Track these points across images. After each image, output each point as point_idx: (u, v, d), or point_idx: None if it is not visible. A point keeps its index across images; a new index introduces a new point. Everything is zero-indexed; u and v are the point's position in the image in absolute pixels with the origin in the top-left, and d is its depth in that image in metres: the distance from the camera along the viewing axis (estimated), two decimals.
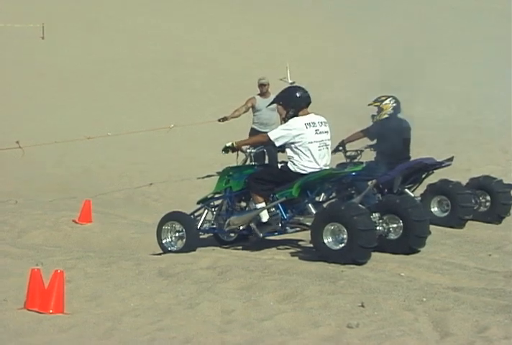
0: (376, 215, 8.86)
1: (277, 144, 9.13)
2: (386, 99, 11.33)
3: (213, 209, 9.79)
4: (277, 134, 9.09)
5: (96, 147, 18.03)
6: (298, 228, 9.29)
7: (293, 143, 9.08)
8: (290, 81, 29.64)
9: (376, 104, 11.43)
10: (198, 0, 47.06)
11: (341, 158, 11.71)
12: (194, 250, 9.38)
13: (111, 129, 17.81)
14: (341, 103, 25.71)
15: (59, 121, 21.78)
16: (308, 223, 8.96)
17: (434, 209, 10.85)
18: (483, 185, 11.23)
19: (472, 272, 8.35)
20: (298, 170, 9.08)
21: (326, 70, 31.88)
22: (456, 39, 40.38)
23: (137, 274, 8.24)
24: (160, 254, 9.60)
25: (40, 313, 6.95)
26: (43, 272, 7.21)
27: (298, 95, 9.24)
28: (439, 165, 11.21)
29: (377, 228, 8.79)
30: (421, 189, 11.33)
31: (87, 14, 39.23)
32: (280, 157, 9.44)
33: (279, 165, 9.43)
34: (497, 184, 11.29)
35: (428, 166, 11.19)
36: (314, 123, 9.15)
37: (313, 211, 9.04)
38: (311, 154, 9.06)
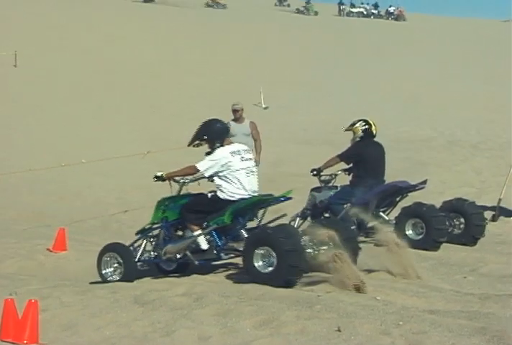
0: (306, 238, 8.89)
1: (207, 174, 9.40)
2: (357, 122, 11.57)
3: (151, 239, 9.98)
4: (206, 165, 9.37)
5: (70, 174, 17.99)
6: (232, 255, 9.46)
7: (221, 171, 9.36)
8: (264, 106, 29.91)
9: (349, 129, 11.67)
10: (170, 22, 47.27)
11: (315, 182, 11.81)
12: (132, 281, 9.47)
13: (85, 155, 17.78)
14: (317, 127, 25.88)
15: (32, 148, 21.71)
16: (241, 249, 9.09)
17: (409, 232, 10.91)
18: (456, 207, 11.31)
19: (447, 295, 8.37)
20: (227, 197, 9.34)
21: (299, 93, 32.09)
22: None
23: (113, 302, 8.18)
24: (101, 282, 9.70)
25: (14, 343, 6.87)
26: (17, 302, 7.14)
27: (219, 126, 9.60)
28: (413, 188, 11.32)
29: (307, 250, 8.76)
30: (395, 212, 11.38)
31: (59, 40, 39.29)
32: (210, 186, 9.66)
33: (209, 194, 9.58)
34: (469, 206, 11.39)
35: (403, 189, 11.31)
36: (239, 151, 9.48)
37: (246, 237, 9.21)
38: (239, 182, 9.34)
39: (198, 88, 32.19)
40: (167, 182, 9.72)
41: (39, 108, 27.04)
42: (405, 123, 27.26)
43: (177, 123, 25.66)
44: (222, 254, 9.43)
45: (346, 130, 11.76)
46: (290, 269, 8.51)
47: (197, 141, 9.71)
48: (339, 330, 6.93)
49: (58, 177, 18.07)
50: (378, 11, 77.69)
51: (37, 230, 13.97)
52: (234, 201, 9.30)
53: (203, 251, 9.45)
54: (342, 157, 11.60)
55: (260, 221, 9.65)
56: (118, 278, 9.71)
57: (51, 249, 12.06)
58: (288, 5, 75.03)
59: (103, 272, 9.84)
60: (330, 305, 7.68)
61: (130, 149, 18.86)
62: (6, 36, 38.79)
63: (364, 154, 11.34)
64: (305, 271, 8.69)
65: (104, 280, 9.77)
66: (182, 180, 9.69)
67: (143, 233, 10.08)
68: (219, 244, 9.37)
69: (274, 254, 8.59)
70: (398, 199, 11.48)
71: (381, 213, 11.31)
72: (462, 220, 11.26)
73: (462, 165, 20.69)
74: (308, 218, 11.56)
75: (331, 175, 11.72)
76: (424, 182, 11.35)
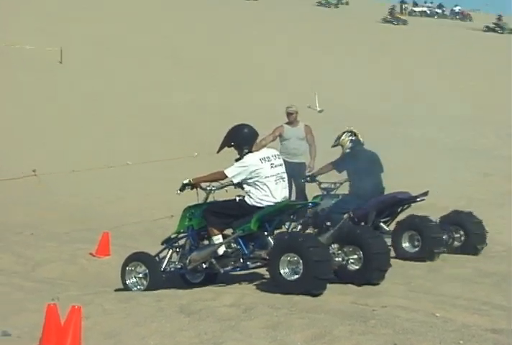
0: (335, 246, 9.21)
1: (235, 181, 9.48)
2: (342, 135, 11.99)
3: (177, 249, 10.08)
4: (234, 172, 9.44)
5: (115, 177, 18.13)
6: (259, 263, 9.52)
7: (249, 178, 9.43)
8: (318, 109, 29.83)
9: (335, 144, 12.12)
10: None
11: (317, 190, 12.23)
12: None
13: (130, 157, 17.91)
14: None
15: (77, 149, 21.92)
16: (268, 257, 9.17)
17: (406, 244, 11.20)
18: (454, 219, 11.61)
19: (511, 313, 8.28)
20: (255, 203, 9.42)
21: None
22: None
23: (157, 310, 8.24)
24: (121, 289, 9.81)
25: None
26: (59, 308, 7.23)
27: (246, 132, 9.64)
28: (413, 200, 11.57)
29: (336, 259, 9.11)
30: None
31: (105, 38, 39.69)
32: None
33: (237, 198, 9.64)
34: (467, 216, 11.68)
35: (403, 200, 11.55)
36: (269, 157, 9.54)
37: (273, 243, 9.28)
38: (268, 189, 9.40)
39: (236, 89, 32.28)
40: (194, 190, 9.81)
41: (83, 107, 27.30)
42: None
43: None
44: (249, 263, 9.51)
45: (333, 146, 12.19)
46: (316, 280, 8.66)
47: (225, 148, 9.76)
48: None
49: (102, 180, 18.22)
50: (442, 11, 77.31)
51: (79, 234, 14.11)
52: (261, 208, 9.38)
53: (227, 258, 9.54)
54: (334, 164, 12.03)
55: (289, 228, 9.65)
56: (142, 289, 9.80)
57: (94, 253, 12.18)
58: None
59: (128, 282, 9.97)
60: (385, 321, 7.65)
61: (178, 152, 18.98)
62: (52, 31, 39.35)
63: (357, 163, 11.66)
64: (331, 281, 8.87)
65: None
66: (209, 188, 9.78)
67: (168, 242, 10.18)
68: (246, 252, 9.44)
69: (301, 263, 8.72)
70: (399, 210, 11.77)
71: (381, 224, 11.59)
72: (462, 232, 11.55)
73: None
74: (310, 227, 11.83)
75: (334, 183, 12.11)
76: (425, 193, 11.57)
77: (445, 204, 14.83)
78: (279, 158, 9.70)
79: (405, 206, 11.74)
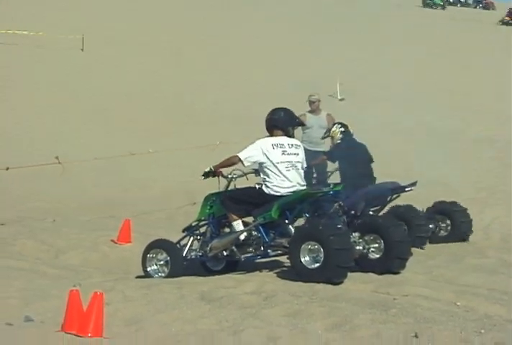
0: (356, 234, 9.26)
1: (246, 164, 9.59)
2: (333, 126, 12.48)
3: (198, 237, 10.13)
4: (246, 154, 9.51)
5: (136, 165, 18.19)
6: (279, 251, 9.55)
7: (261, 163, 9.49)
8: (339, 97, 29.75)
9: (326, 136, 12.72)
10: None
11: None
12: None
13: (152, 146, 17.95)
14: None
15: (99, 137, 22.01)
16: (289, 245, 9.21)
17: None
18: (440, 209, 11.94)
19: None
20: (272, 192, 9.46)
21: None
22: None
23: (178, 298, 8.29)
24: (142, 276, 9.87)
25: (79, 336, 6.99)
26: (81, 294, 7.28)
27: (276, 116, 9.68)
28: (401, 190, 11.67)
29: (357, 247, 9.17)
30: None
31: (127, 27, 39.75)
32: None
33: (256, 186, 9.70)
34: (452, 205, 12.01)
35: (392, 190, 11.80)
36: (283, 144, 9.56)
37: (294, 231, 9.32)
38: (282, 174, 9.46)
39: (267, 80, 32.23)
40: (216, 178, 9.87)
41: (105, 95, 27.37)
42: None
43: (243, 115, 25.75)
44: (269, 251, 9.55)
45: (324, 138, 12.83)
46: (337, 268, 8.70)
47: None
48: (416, 337, 6.91)
49: (124, 168, 18.28)
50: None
51: (101, 221, 14.20)
52: (279, 197, 9.40)
53: (247, 245, 9.59)
54: (328, 154, 12.50)
55: (311, 216, 9.68)
56: (163, 276, 9.85)
57: (115, 240, 12.26)
58: None
59: (149, 269, 10.03)
60: (406, 310, 7.66)
61: (199, 141, 18.98)
62: (74, 18, 39.44)
63: (348, 153, 11.77)
64: (352, 269, 8.94)
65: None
66: (230, 175, 9.84)
67: (189, 230, 10.23)
68: (266, 239, 9.47)
69: (322, 251, 8.76)
70: (388, 199, 11.96)
71: (371, 213, 11.77)
72: (449, 221, 11.90)
73: None
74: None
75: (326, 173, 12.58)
76: (414, 183, 11.78)
77: (468, 195, 14.84)
78: (297, 148, 9.68)
79: (395, 196, 11.96)
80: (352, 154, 11.95)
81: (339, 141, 12.37)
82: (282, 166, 9.46)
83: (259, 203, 9.50)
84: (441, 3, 70.37)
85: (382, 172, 12.66)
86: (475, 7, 75.43)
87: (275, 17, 49.13)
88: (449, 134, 24.22)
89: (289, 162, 9.52)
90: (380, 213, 11.83)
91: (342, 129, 12.32)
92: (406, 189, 11.78)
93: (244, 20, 47.21)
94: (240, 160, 9.51)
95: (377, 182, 12.09)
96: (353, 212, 11.49)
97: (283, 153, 9.50)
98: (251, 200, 9.57)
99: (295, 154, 9.62)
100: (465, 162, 19.46)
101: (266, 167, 9.49)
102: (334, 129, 12.39)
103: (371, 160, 12.16)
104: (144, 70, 31.49)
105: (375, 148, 12.79)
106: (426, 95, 30.38)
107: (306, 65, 35.03)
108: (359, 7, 57.73)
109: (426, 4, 69.68)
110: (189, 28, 41.93)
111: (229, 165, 9.76)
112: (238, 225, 9.62)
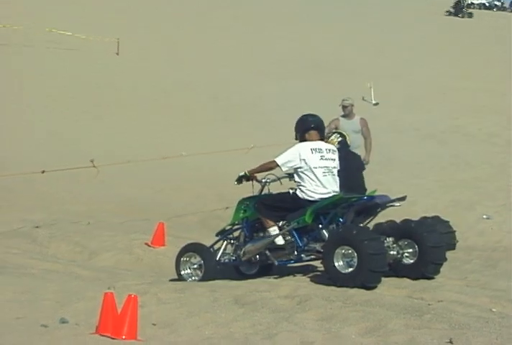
0: (390, 239, 9.20)
1: (284, 169, 9.56)
2: (332, 135, 12.14)
3: (231, 241, 10.16)
4: (284, 159, 9.48)
5: (170, 168, 18.27)
6: (313, 256, 9.56)
7: (298, 168, 9.46)
8: (373, 102, 29.68)
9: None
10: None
11: None
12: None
13: (185, 149, 18.01)
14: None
15: (133, 139, 22.14)
16: (323, 250, 9.21)
17: None
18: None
19: None
20: (306, 197, 9.45)
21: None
22: None
23: (212, 301, 8.30)
24: (176, 280, 9.91)
25: (113, 338, 7.03)
26: (115, 297, 7.33)
27: (303, 120, 9.72)
28: (390, 204, 11.45)
29: (390, 252, 9.12)
30: None
31: (162, 31, 39.92)
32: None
33: (290, 191, 9.68)
34: (434, 220, 11.46)
35: (379, 204, 11.48)
36: (321, 149, 9.58)
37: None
38: (317, 179, 9.45)
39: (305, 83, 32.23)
40: (250, 182, 9.91)
41: (139, 99, 27.53)
42: None
43: (276, 119, 25.76)
44: (303, 255, 9.56)
45: None
46: (371, 273, 8.69)
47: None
48: (450, 343, 6.87)
49: (157, 170, 18.38)
50: (502, 3, 76.39)
51: (135, 223, 14.28)
52: (313, 201, 9.40)
53: (281, 250, 9.59)
54: None
55: (346, 222, 9.66)
56: (197, 280, 9.90)
57: (149, 243, 12.30)
58: None
59: (182, 272, 10.09)
60: (441, 315, 7.61)
61: (231, 145, 19.01)
62: (109, 22, 39.69)
63: (342, 163, 11.72)
64: (386, 274, 8.91)
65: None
66: (264, 180, 9.87)
67: (223, 234, 10.27)
68: (300, 244, 9.48)
69: (356, 255, 8.75)
70: (377, 210, 11.66)
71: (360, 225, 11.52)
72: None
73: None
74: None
75: None
76: (403, 198, 11.40)
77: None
78: (333, 153, 9.71)
79: (383, 208, 11.82)
80: (346, 164, 11.90)
81: None
82: (319, 171, 9.46)
83: (293, 207, 9.51)
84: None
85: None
86: (511, 11, 74.87)
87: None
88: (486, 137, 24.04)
89: (326, 167, 9.53)
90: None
91: (340, 140, 12.10)
92: (395, 203, 11.22)
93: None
94: (278, 165, 9.51)
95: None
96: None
97: (321, 158, 9.52)
98: (284, 205, 9.57)
99: (332, 159, 9.64)
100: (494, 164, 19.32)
101: (302, 172, 9.48)
102: (332, 137, 12.11)
103: (363, 170, 12.06)
104: (180, 73, 31.61)
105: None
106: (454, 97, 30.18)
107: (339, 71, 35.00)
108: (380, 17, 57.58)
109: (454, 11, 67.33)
110: (224, 31, 42.05)
111: (266, 170, 9.77)
112: (274, 231, 9.61)
